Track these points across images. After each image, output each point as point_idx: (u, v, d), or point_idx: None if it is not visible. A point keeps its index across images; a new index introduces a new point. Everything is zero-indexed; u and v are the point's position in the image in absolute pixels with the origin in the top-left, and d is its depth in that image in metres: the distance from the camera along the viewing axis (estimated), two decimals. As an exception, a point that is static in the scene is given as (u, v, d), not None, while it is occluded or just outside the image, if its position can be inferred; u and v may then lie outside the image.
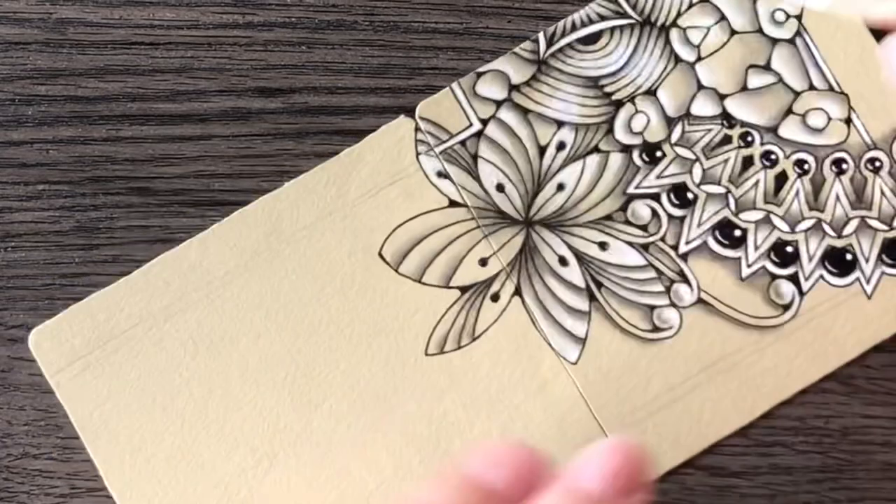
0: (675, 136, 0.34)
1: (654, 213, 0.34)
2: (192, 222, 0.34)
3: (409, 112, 0.34)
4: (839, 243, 0.34)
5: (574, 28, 0.35)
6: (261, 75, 0.35)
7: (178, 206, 0.34)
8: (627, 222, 0.34)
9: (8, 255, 0.34)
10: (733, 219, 0.34)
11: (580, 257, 0.34)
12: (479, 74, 0.34)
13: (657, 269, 0.34)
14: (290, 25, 0.35)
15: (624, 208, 0.34)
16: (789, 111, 0.34)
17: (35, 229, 0.34)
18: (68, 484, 0.34)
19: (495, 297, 0.34)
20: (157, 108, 0.35)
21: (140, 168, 0.34)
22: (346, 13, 0.35)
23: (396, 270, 0.34)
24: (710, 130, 0.34)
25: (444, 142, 0.34)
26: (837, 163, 0.34)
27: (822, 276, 0.33)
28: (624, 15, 0.35)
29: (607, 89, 0.34)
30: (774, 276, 0.33)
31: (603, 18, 0.35)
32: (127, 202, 0.34)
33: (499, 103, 0.34)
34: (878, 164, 0.34)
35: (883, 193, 0.34)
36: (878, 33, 0.34)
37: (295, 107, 0.35)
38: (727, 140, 0.34)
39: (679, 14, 0.35)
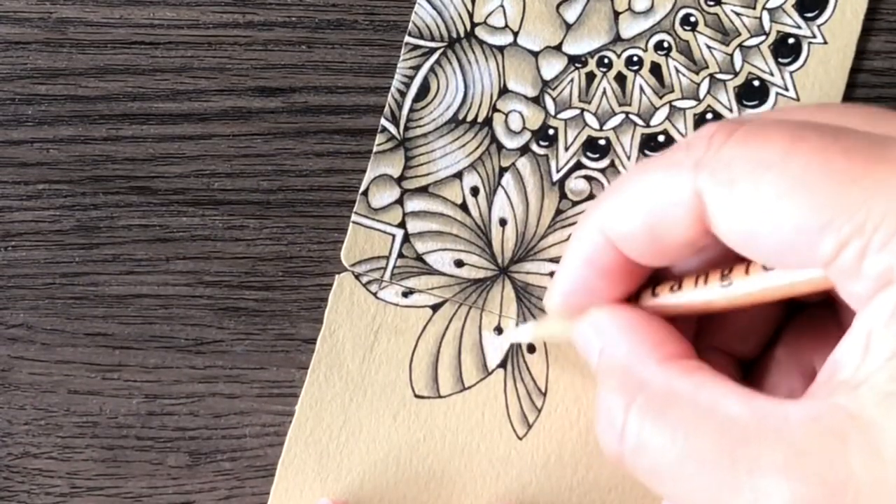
0: (551, 108, 0.34)
1: (587, 179, 0.34)
2: (192, 221, 0.34)
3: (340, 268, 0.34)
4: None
5: (402, 94, 0.34)
6: (261, 74, 0.35)
7: (179, 206, 0.34)
8: (574, 204, 0.34)
9: (8, 254, 0.34)
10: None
11: None
12: (365, 192, 0.34)
13: None
14: (290, 25, 0.35)
15: (564, 195, 0.34)
16: (616, 15, 0.34)
17: (35, 228, 0.34)
18: (68, 483, 0.34)
19: (531, 349, 0.34)
20: (157, 108, 0.35)
21: (140, 167, 0.34)
22: (347, 12, 0.35)
23: (441, 396, 0.34)
24: (571, 81, 0.34)
25: (386, 267, 0.34)
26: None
27: None
28: (429, 52, 0.34)
29: (468, 117, 0.34)
30: None
31: (417, 67, 0.34)
32: (127, 201, 0.34)
33: (400, 201, 0.34)
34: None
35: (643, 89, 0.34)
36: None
37: (295, 106, 0.35)
38: (591, 77, 0.34)
39: (471, 14, 0.35)
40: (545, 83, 0.34)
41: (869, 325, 0.23)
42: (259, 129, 0.35)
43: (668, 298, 0.28)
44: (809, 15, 0.34)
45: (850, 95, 0.35)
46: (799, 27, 0.34)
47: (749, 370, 0.30)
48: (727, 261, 0.27)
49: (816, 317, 0.29)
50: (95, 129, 0.34)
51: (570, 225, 0.34)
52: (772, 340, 0.30)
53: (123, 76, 0.35)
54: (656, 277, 0.29)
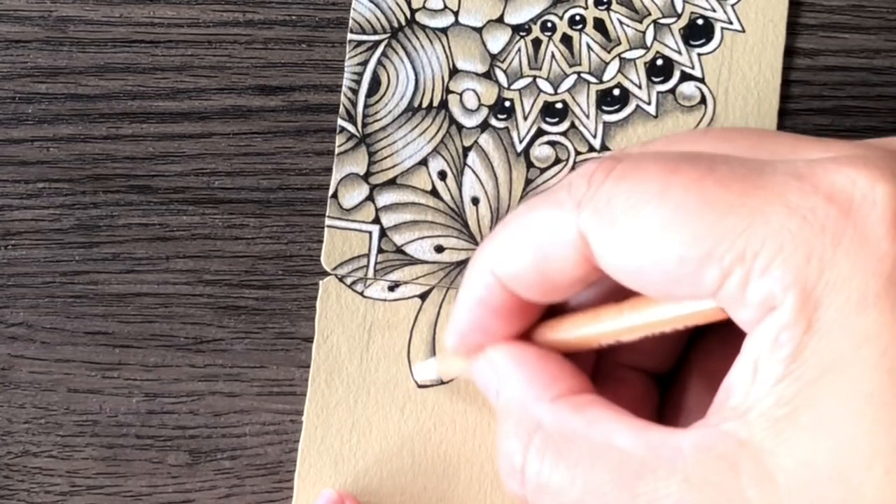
0: (503, 81, 0.34)
1: (551, 144, 0.34)
2: (192, 220, 0.34)
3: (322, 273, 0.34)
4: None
5: (354, 92, 0.34)
6: (261, 73, 0.35)
7: (179, 204, 0.34)
8: (542, 171, 0.34)
9: (8, 252, 0.34)
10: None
11: None
12: (334, 195, 0.34)
13: None
14: (290, 23, 0.35)
15: (531, 164, 0.34)
16: None
17: (35, 227, 0.34)
18: (68, 482, 0.34)
19: None
20: (157, 106, 0.35)
21: (140, 166, 0.34)
22: (347, 11, 0.35)
23: (443, 382, 0.34)
24: (519, 51, 0.34)
25: (367, 265, 0.34)
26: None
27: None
28: (373, 45, 0.34)
29: (423, 103, 0.34)
30: None
31: (364, 63, 0.34)
32: (127, 200, 0.34)
33: (370, 197, 0.34)
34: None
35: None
36: None
37: (295, 105, 0.35)
38: (538, 43, 0.34)
39: (408, 1, 0.34)
40: (493, 57, 0.34)
41: (756, 351, 0.23)
42: (259, 128, 0.35)
43: (559, 333, 0.28)
44: None
45: (850, 93, 0.35)
46: None
47: (668, 383, 0.31)
48: (624, 291, 0.27)
49: (725, 329, 0.29)
50: (95, 127, 0.34)
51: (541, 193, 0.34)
52: (687, 353, 0.30)
53: (123, 75, 0.35)
54: (555, 310, 0.29)
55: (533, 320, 0.29)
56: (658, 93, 0.34)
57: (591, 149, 0.34)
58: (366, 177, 0.34)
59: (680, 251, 0.24)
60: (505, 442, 0.27)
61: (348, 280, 0.34)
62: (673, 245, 0.24)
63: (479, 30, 0.34)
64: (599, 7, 0.34)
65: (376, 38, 0.34)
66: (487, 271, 0.28)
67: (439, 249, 0.34)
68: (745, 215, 0.23)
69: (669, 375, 0.31)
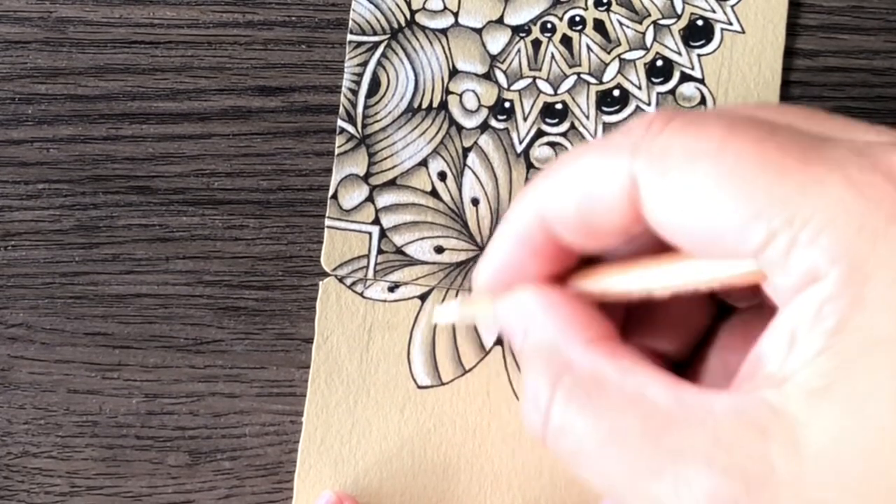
0: (503, 82, 0.34)
1: (551, 145, 0.34)
2: (191, 221, 0.34)
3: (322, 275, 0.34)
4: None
5: (354, 93, 0.34)
6: (261, 74, 0.35)
7: (178, 205, 0.34)
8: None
9: (8, 253, 0.34)
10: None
11: None
12: (334, 195, 0.34)
13: None
14: (290, 24, 0.35)
15: (531, 165, 0.34)
16: None
17: (35, 228, 0.34)
18: (68, 482, 0.34)
19: None
20: (157, 107, 0.35)
21: (140, 167, 0.34)
22: (346, 12, 0.35)
23: (443, 383, 0.34)
24: (518, 51, 0.34)
25: (368, 265, 0.34)
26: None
27: None
28: (373, 46, 0.34)
29: (423, 104, 0.34)
30: None
31: (364, 64, 0.34)
32: (127, 201, 0.34)
33: (370, 198, 0.34)
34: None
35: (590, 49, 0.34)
36: None
37: (295, 105, 0.35)
38: (537, 44, 0.34)
39: (408, 2, 0.34)
40: (493, 58, 0.34)
41: (794, 322, 0.23)
42: (259, 129, 0.35)
43: (592, 283, 0.28)
44: None
45: (850, 94, 0.35)
46: None
47: (681, 372, 0.30)
48: (659, 252, 0.27)
49: (746, 320, 0.29)
50: (95, 128, 0.35)
51: None
52: (703, 343, 0.30)
53: (123, 75, 0.35)
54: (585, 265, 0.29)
55: (567, 268, 0.28)
56: (658, 94, 0.34)
57: None
58: (366, 178, 0.34)
59: (729, 208, 0.23)
60: (531, 381, 0.26)
61: (348, 281, 0.34)
62: (724, 202, 0.24)
63: (478, 31, 0.34)
64: (599, 8, 0.34)
65: (376, 38, 0.34)
66: (532, 209, 0.27)
67: (439, 250, 0.34)
68: (802, 181, 0.23)
69: (683, 366, 0.30)
